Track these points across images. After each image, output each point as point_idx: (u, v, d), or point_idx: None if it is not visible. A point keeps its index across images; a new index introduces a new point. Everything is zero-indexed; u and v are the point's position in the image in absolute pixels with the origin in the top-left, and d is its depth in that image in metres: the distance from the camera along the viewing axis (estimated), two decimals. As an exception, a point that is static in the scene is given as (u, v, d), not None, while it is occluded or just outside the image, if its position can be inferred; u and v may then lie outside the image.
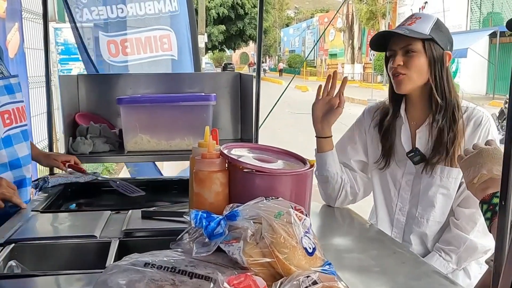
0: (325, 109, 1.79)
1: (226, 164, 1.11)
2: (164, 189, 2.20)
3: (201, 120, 2.35)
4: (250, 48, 62.56)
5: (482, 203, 1.06)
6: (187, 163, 1.56)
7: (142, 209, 1.57)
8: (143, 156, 2.42)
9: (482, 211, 1.06)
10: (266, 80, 35.75)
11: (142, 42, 3.08)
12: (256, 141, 2.50)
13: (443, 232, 1.76)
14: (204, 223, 0.92)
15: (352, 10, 34.97)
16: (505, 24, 1.00)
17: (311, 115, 1.82)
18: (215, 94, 2.37)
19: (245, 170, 1.06)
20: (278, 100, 2.99)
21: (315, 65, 46.52)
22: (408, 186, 1.79)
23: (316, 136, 1.86)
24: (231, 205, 1.00)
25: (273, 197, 1.01)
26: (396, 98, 1.80)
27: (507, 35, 19.54)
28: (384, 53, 1.77)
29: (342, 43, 37.70)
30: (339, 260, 1.30)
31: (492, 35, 19.33)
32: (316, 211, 1.88)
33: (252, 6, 35.48)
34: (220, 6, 34.46)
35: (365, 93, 20.51)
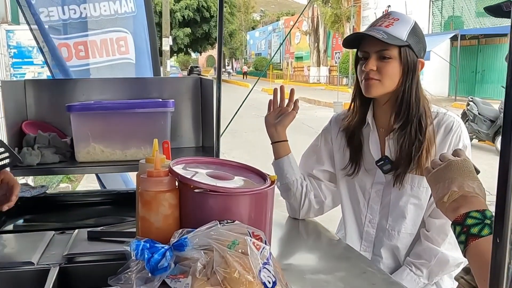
0: (278, 116, 1.77)
1: (176, 183, 0.98)
2: (126, 203, 2.05)
3: (159, 128, 2.20)
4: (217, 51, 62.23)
5: (455, 224, 0.95)
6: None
7: (88, 229, 1.42)
8: (96, 167, 2.26)
9: (454, 233, 0.95)
10: (232, 83, 35.66)
11: (97, 45, 2.91)
12: (218, 149, 2.37)
13: (414, 245, 1.67)
14: (146, 255, 0.79)
15: (317, 13, 35.21)
16: (483, 9, 1.00)
17: (265, 124, 1.80)
18: (173, 100, 2.23)
19: (196, 190, 0.93)
20: (242, 104, 2.87)
21: (281, 68, 46.67)
22: (378, 196, 1.70)
23: (271, 143, 1.79)
24: (180, 231, 0.87)
25: (228, 221, 0.89)
26: (362, 103, 1.70)
27: (467, 39, 20.00)
28: (355, 52, 1.66)
29: (308, 46, 37.91)
30: (303, 283, 1.19)
31: (453, 38, 19.73)
32: (281, 223, 1.77)
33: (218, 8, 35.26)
34: (185, 8, 34.16)
35: (331, 95, 20.62)
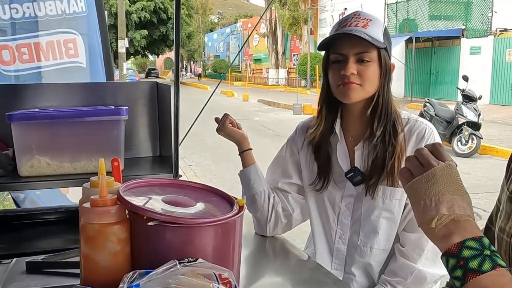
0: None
1: (127, 212, 0.83)
2: (76, 221, 1.85)
3: (111, 137, 2.02)
4: (174, 53, 61.57)
5: (447, 256, 0.78)
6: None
7: (27, 259, 1.24)
8: (42, 182, 2.05)
9: (447, 266, 0.79)
10: (191, 86, 35.30)
11: (43, 47, 2.68)
12: (176, 159, 2.20)
13: (389, 261, 1.56)
14: (88, 311, 0.64)
15: (275, 16, 35.31)
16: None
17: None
18: (127, 107, 2.05)
19: (150, 223, 0.77)
20: (202, 110, 2.72)
21: (240, 70, 46.58)
22: (348, 210, 1.58)
23: (239, 154, 1.70)
24: (131, 274, 0.71)
25: (190, 259, 0.74)
26: (330, 111, 1.58)
27: (421, 41, 20.43)
28: (324, 55, 1.53)
29: (266, 48, 37.95)
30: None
31: (408, 41, 20.10)
32: (246, 240, 1.63)
33: (175, 10, 34.86)
34: (142, 10, 33.55)
35: (290, 97, 20.65)
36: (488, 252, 0.76)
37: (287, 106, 18.49)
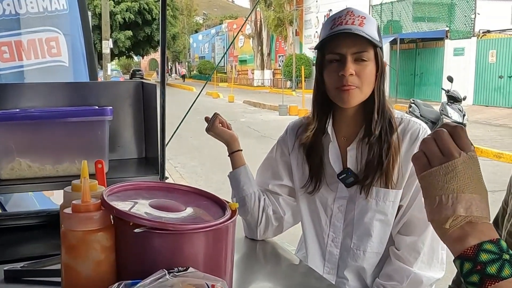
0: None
1: (112, 218, 0.77)
2: (51, 226, 1.78)
3: (95, 138, 1.95)
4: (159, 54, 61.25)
5: (462, 259, 0.72)
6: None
7: (5, 267, 1.17)
8: (23, 185, 1.97)
9: (461, 271, 0.72)
10: (176, 87, 35.11)
11: (24, 46, 2.60)
12: (163, 161, 2.14)
13: (383, 265, 1.52)
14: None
15: (260, 17, 35.31)
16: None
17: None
18: (111, 107, 1.99)
19: (136, 230, 0.72)
20: (188, 110, 2.67)
21: (225, 71, 46.49)
22: (341, 212, 1.54)
23: (228, 155, 1.65)
24: (116, 285, 0.66)
25: (180, 269, 0.69)
26: (323, 111, 1.53)
27: (405, 42, 20.57)
28: (317, 55, 1.48)
29: (252, 49, 37.94)
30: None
31: (393, 42, 20.23)
32: (236, 244, 1.57)
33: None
34: (126, 11, 33.29)
35: (276, 98, 20.63)
36: (507, 257, 0.70)
37: (273, 107, 18.47)
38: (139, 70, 44.56)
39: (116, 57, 40.71)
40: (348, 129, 1.52)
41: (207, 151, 9.73)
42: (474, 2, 18.40)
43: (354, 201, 1.51)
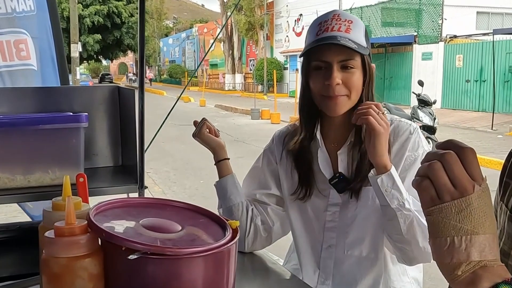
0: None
1: (99, 241, 0.69)
2: (32, 240, 1.66)
3: (70, 146, 1.84)
4: (129, 58, 60.72)
5: None
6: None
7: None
8: (-9, 197, 1.85)
9: None
10: (146, 91, 34.69)
11: (-9, 48, 2.46)
12: (142, 169, 2.04)
13: (379, 272, 1.47)
14: None
15: (231, 21, 35.27)
16: None
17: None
18: (86, 113, 1.88)
19: (131, 257, 0.63)
20: (167, 117, 2.58)
21: (196, 75, 46.28)
22: (334, 219, 1.48)
23: (214, 164, 1.57)
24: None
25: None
26: (310, 117, 1.48)
27: (375, 47, 20.84)
28: (303, 61, 1.42)
29: (222, 53, 37.87)
30: None
31: (363, 46, 20.47)
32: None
33: (129, 15, 34.35)
34: (95, 14, 32.75)
35: (248, 102, 20.60)
36: None
37: (245, 111, 18.43)
38: (108, 74, 43.91)
39: (84, 61, 40.05)
40: (337, 134, 1.47)
41: (180, 156, 9.59)
42: (441, 8, 18.80)
43: (347, 206, 1.45)
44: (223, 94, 31.81)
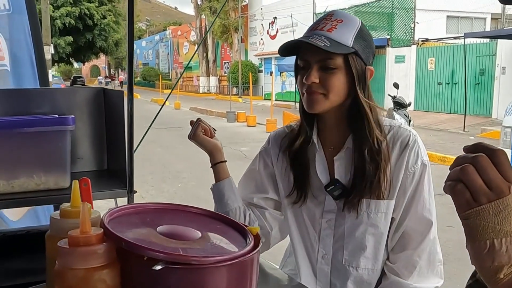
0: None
1: (115, 251, 0.64)
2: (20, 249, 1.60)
3: (56, 150, 1.77)
4: (101, 61, 59.85)
5: None
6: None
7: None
8: (-28, 203, 1.77)
9: None
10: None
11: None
12: (131, 172, 1.97)
13: (378, 281, 1.45)
14: None
15: (205, 24, 35.14)
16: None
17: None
18: (73, 116, 1.82)
19: (157, 267, 0.59)
20: (154, 120, 2.52)
21: (170, 78, 45.93)
22: (330, 227, 1.44)
23: (211, 167, 1.52)
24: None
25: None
26: (307, 118, 1.44)
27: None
28: (295, 59, 1.40)
29: (197, 56, 37.69)
30: None
31: (337, 49, 20.63)
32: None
33: (102, 17, 33.84)
34: (66, 16, 32.16)
35: (223, 105, 20.54)
36: None
37: (220, 114, 18.37)
38: (80, 77, 43.11)
39: (56, 63, 39.30)
40: (333, 138, 1.44)
41: (157, 159, 9.47)
42: (413, 12, 19.09)
43: (343, 214, 1.42)
44: (197, 97, 31.64)
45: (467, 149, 0.67)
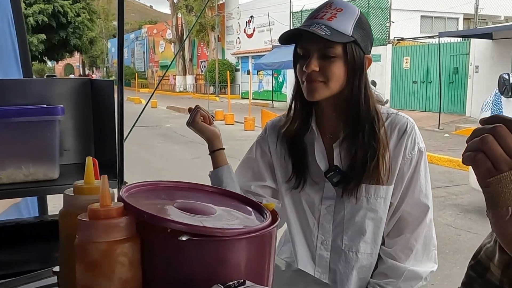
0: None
1: (135, 225, 0.63)
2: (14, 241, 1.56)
3: (44, 141, 1.74)
4: (75, 59, 58.95)
5: None
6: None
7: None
8: (-42, 196, 1.72)
9: None
10: (94, 93, 33.78)
11: None
12: (121, 164, 1.95)
13: (376, 266, 1.47)
14: None
15: (182, 22, 34.95)
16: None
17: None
18: (62, 106, 1.78)
19: (182, 238, 0.58)
20: (138, 117, 2.51)
21: (146, 76, 45.55)
22: (329, 213, 1.46)
23: (209, 154, 1.52)
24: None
25: (236, 283, 0.57)
26: (304, 106, 1.46)
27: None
28: (294, 49, 1.41)
29: (173, 55, 37.45)
30: None
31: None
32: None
33: (76, 14, 33.31)
34: (39, 13, 31.59)
35: (200, 104, 20.19)
36: None
37: (198, 113, 18.24)
38: (54, 76, 42.46)
39: (28, 62, 38.46)
40: (331, 126, 1.45)
41: (135, 157, 9.37)
42: (388, 11, 19.33)
43: (343, 200, 1.44)
44: (174, 96, 31.46)
45: (484, 121, 0.69)
